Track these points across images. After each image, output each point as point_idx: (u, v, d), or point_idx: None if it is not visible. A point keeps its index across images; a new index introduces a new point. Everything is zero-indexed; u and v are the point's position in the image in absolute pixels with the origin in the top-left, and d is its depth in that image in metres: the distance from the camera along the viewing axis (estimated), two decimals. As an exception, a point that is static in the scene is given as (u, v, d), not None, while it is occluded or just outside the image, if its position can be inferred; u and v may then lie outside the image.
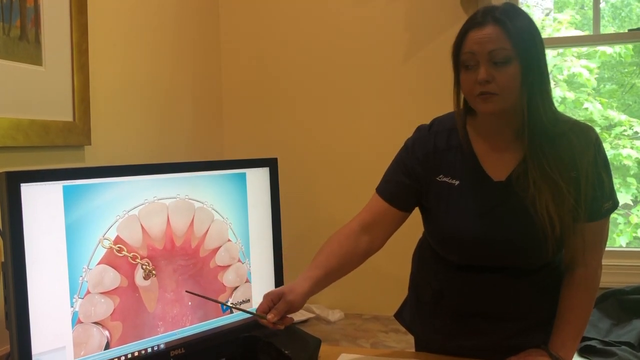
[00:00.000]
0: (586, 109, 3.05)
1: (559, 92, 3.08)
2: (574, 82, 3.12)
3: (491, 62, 1.09)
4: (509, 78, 1.09)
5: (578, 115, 3.04)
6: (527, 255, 1.18)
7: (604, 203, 1.17)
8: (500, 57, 1.08)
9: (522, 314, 1.24)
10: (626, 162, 2.98)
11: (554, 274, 1.25)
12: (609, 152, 2.97)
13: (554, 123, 1.14)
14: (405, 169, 1.27)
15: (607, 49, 3.03)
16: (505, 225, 1.17)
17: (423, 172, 1.24)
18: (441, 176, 1.23)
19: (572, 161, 1.14)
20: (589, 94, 3.10)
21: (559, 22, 3.11)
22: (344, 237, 1.27)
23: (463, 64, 1.14)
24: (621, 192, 2.97)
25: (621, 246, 2.89)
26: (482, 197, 1.19)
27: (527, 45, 1.10)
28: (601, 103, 3.08)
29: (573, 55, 3.05)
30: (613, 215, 2.96)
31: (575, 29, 3.09)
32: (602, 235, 1.21)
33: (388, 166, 1.32)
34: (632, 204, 2.97)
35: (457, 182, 1.21)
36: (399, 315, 1.43)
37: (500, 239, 1.17)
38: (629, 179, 3.00)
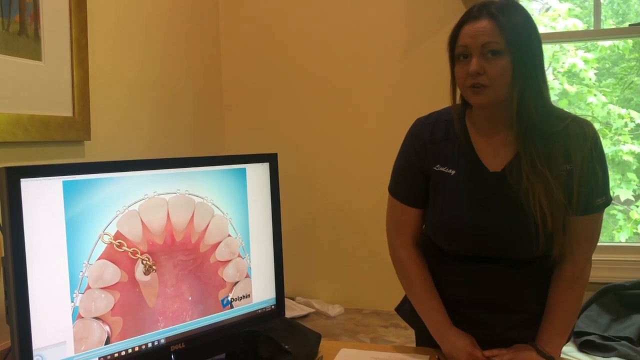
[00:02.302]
0: (590, 103, 3.05)
1: (557, 85, 3.07)
2: (573, 76, 3.11)
3: (483, 54, 1.12)
4: (499, 71, 1.12)
5: (579, 110, 3.04)
6: (519, 246, 1.19)
7: (597, 198, 1.18)
8: (492, 49, 1.11)
9: (519, 306, 1.25)
10: (627, 157, 2.98)
11: (551, 267, 1.25)
12: (610, 149, 2.96)
13: (546, 119, 1.15)
14: (409, 165, 1.29)
15: (606, 43, 3.03)
16: (498, 215, 1.18)
17: (421, 163, 1.27)
18: (438, 166, 1.25)
19: (567, 155, 1.15)
20: (588, 87, 3.10)
21: (554, 10, 3.10)
22: (415, 270, 1.30)
23: (457, 56, 1.17)
24: (622, 187, 2.97)
25: (621, 242, 2.89)
26: (477, 187, 1.21)
27: (519, 40, 1.12)
28: (604, 94, 3.07)
29: (571, 46, 3.04)
30: (612, 212, 2.97)
31: (575, 18, 3.08)
32: (593, 231, 1.22)
33: (394, 164, 1.34)
34: (633, 199, 2.97)
35: (453, 172, 1.23)
36: (399, 309, 1.44)
37: (494, 228, 1.18)
38: (629, 175, 3.00)
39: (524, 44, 1.12)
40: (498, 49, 1.11)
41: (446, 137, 1.25)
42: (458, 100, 1.24)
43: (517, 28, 1.12)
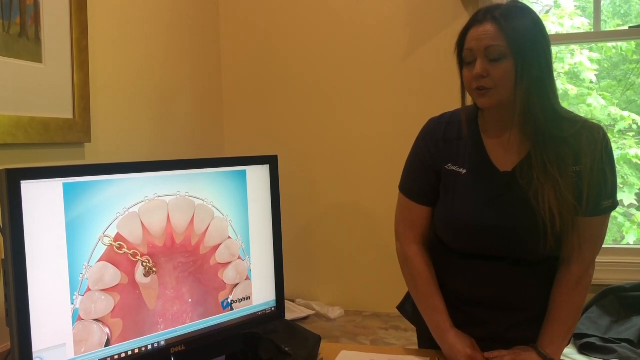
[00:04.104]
0: (590, 104, 3.05)
1: (559, 85, 3.07)
2: (573, 77, 3.11)
3: (487, 57, 1.14)
4: (502, 73, 1.14)
5: (579, 111, 3.04)
6: (527, 246, 1.19)
7: (604, 201, 1.19)
8: (495, 53, 1.13)
9: (523, 305, 1.26)
10: (634, 161, 2.97)
11: (555, 268, 1.26)
12: (616, 152, 2.96)
13: (554, 122, 1.16)
14: (422, 164, 1.31)
15: (609, 43, 3.03)
16: (508, 214, 1.20)
17: (433, 161, 1.29)
18: (449, 164, 1.27)
19: (576, 158, 1.17)
20: (589, 88, 3.10)
21: (563, 9, 3.10)
22: (422, 267, 1.31)
23: (464, 60, 1.19)
24: (624, 192, 2.96)
25: (628, 244, 2.88)
26: (487, 187, 1.22)
27: (523, 44, 1.13)
28: (604, 98, 3.07)
29: (577, 46, 3.04)
30: (614, 214, 2.95)
31: (579, 17, 3.08)
32: (599, 233, 1.22)
33: (406, 163, 1.36)
34: (636, 203, 2.96)
35: (464, 171, 1.25)
36: (401, 307, 1.45)
37: (502, 227, 1.19)
38: (632, 179, 3.00)
39: (528, 46, 1.14)
40: (500, 51, 1.13)
41: (458, 136, 1.27)
42: (469, 102, 1.26)
43: (521, 31, 1.14)
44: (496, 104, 1.17)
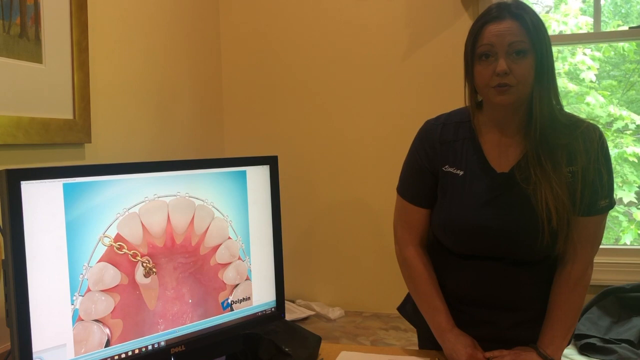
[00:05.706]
0: (588, 103, 3.05)
1: (560, 83, 3.07)
2: (573, 77, 3.11)
3: (510, 54, 1.13)
4: (526, 70, 1.13)
5: (579, 110, 3.04)
6: (526, 246, 1.20)
7: (600, 200, 1.19)
8: (519, 49, 1.13)
9: (523, 305, 1.26)
10: (631, 159, 2.98)
11: (555, 267, 1.26)
12: (613, 151, 2.96)
13: (554, 118, 1.17)
14: (418, 166, 1.31)
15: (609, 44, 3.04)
16: (506, 215, 1.20)
17: (430, 163, 1.28)
18: (447, 166, 1.27)
19: (573, 157, 1.17)
20: (589, 87, 3.10)
21: (568, 7, 3.11)
22: (421, 269, 1.31)
23: (479, 56, 1.16)
24: (624, 190, 2.96)
25: (625, 244, 2.88)
26: (485, 188, 1.22)
27: (543, 40, 1.14)
28: (603, 96, 3.08)
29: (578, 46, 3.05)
30: (614, 214, 2.96)
31: (583, 15, 3.09)
32: (596, 233, 1.23)
33: (403, 165, 1.35)
34: (636, 201, 2.97)
35: (461, 173, 1.25)
36: (401, 309, 1.45)
37: (501, 229, 1.19)
38: (632, 177, 3.00)
39: (546, 44, 1.15)
40: (524, 48, 1.13)
41: (455, 138, 1.27)
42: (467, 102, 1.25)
43: (539, 28, 1.15)
44: (514, 102, 1.16)
